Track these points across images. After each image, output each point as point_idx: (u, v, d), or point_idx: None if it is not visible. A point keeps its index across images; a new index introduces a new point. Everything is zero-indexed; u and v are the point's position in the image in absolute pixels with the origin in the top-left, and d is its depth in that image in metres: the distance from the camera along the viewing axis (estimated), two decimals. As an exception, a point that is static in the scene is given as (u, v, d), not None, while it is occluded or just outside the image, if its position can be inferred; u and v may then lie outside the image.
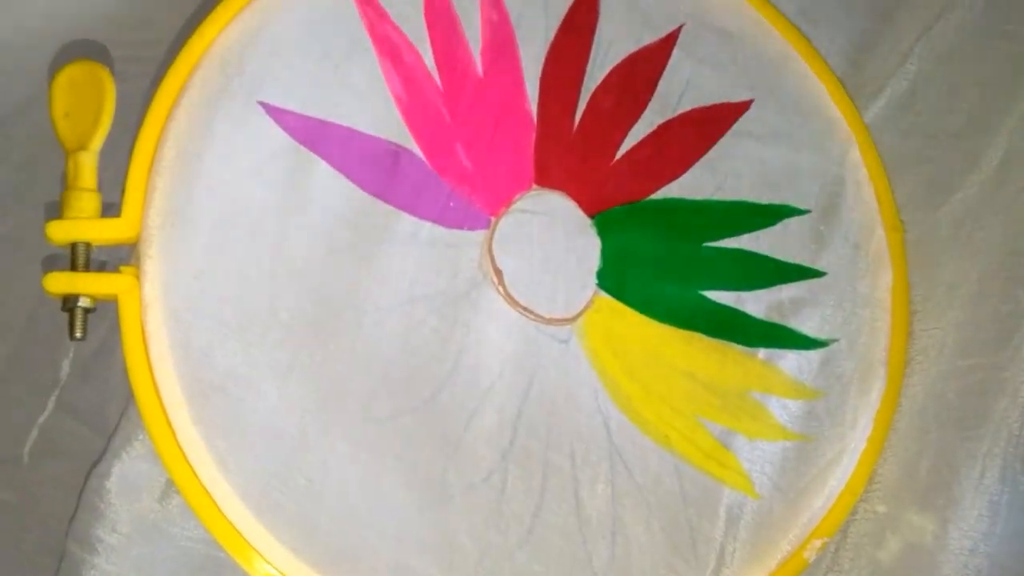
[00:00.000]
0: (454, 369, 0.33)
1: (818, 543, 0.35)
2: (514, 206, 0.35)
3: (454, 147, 0.35)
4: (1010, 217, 0.37)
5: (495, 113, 0.35)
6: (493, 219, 0.35)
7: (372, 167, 0.34)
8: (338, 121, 0.34)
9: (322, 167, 0.33)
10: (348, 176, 0.34)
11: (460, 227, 0.34)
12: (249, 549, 0.30)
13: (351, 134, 0.34)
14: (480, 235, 0.34)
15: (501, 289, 0.34)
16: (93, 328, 0.33)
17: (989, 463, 0.34)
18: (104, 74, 0.33)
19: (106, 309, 0.32)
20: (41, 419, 0.34)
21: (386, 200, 0.34)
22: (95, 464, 0.32)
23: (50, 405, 0.34)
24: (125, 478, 0.32)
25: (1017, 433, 0.34)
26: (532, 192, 0.35)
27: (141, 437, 0.32)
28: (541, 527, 0.32)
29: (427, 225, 0.34)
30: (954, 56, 0.40)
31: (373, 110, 0.34)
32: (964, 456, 0.34)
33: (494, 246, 0.34)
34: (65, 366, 0.35)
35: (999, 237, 0.37)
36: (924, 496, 0.35)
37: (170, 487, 0.31)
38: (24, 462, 0.34)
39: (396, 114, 0.34)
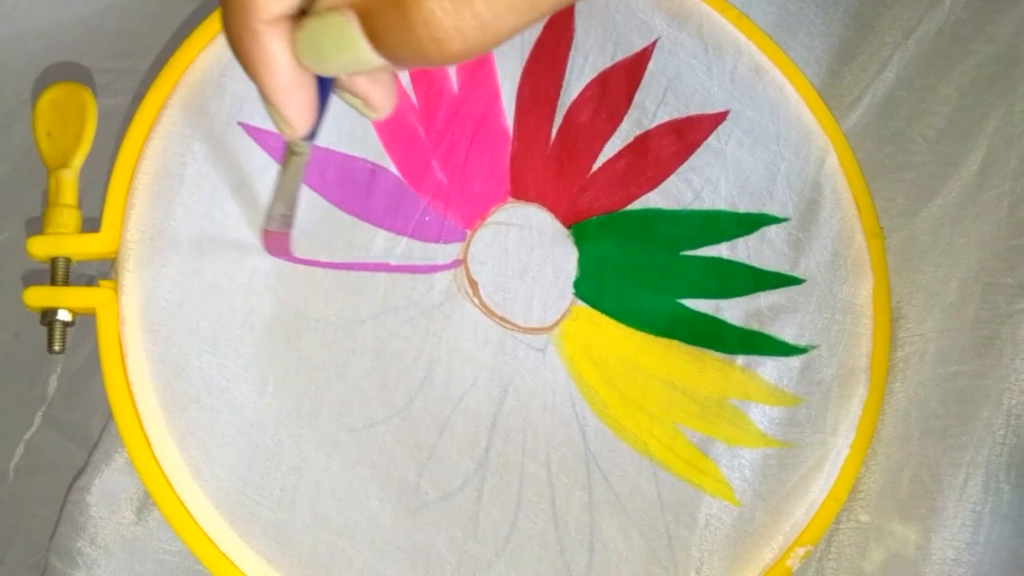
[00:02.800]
0: (427, 379, 0.33)
1: (801, 551, 0.34)
2: (489, 218, 0.35)
3: (429, 163, 0.35)
4: (989, 223, 0.36)
5: (471, 129, 0.36)
6: (469, 232, 0.35)
7: (348, 186, 0.34)
8: (315, 142, 0.34)
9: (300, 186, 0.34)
10: (324, 196, 0.34)
11: (436, 240, 0.34)
12: (223, 559, 0.30)
13: (328, 154, 0.34)
14: (456, 248, 0.35)
15: (476, 300, 0.34)
16: (79, 344, 0.34)
17: (972, 472, 0.34)
18: (86, 95, 0.34)
19: (93, 326, 0.32)
20: (28, 434, 0.34)
21: (363, 218, 0.34)
22: (76, 477, 0.33)
23: (37, 420, 0.35)
24: (105, 491, 0.32)
25: (1000, 441, 0.34)
26: (508, 205, 0.36)
27: (121, 451, 0.32)
28: (518, 536, 0.32)
29: (403, 240, 0.34)
30: (933, 61, 0.40)
31: (349, 129, 0.35)
32: (947, 465, 0.34)
33: (469, 258, 0.35)
34: (52, 382, 0.36)
35: (979, 243, 0.36)
36: (907, 505, 0.34)
37: (148, 500, 0.32)
38: (10, 477, 0.34)
39: (372, 132, 0.35)
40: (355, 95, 0.24)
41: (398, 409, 0.33)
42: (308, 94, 0.22)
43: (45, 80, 0.36)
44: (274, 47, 0.21)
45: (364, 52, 0.20)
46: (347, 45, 0.20)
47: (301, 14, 0.21)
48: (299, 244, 0.33)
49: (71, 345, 0.34)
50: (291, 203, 0.29)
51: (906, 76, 0.40)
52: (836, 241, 0.37)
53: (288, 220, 0.30)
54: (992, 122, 0.38)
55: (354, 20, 0.20)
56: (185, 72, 0.34)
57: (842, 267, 0.37)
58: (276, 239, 0.32)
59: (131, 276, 0.32)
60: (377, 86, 0.24)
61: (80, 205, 0.33)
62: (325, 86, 0.23)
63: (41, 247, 0.32)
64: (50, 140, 0.33)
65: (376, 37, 0.20)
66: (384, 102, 0.24)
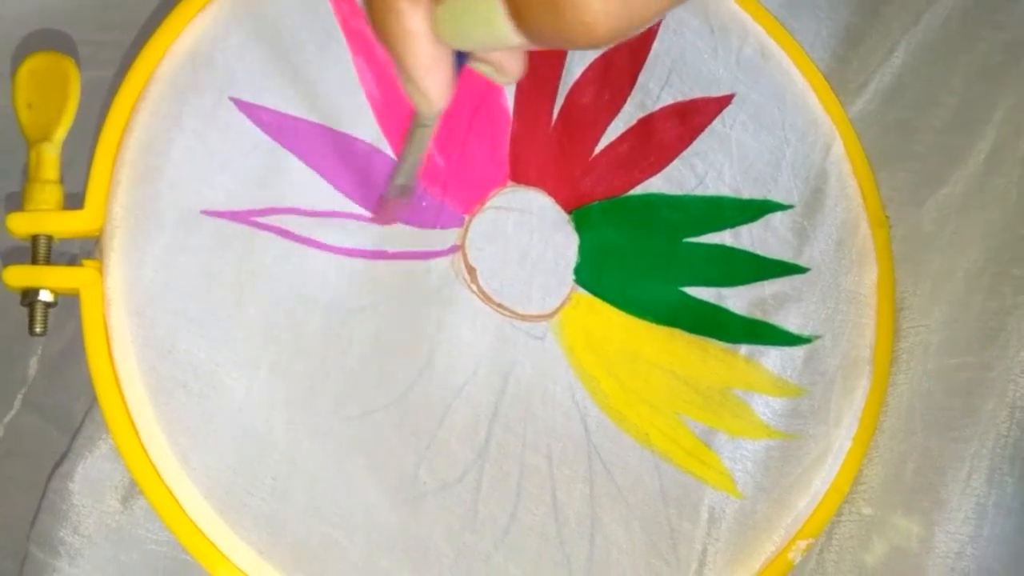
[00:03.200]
0: (426, 366, 0.32)
1: (803, 544, 0.34)
2: (488, 203, 0.34)
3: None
4: (996, 212, 0.36)
5: (470, 110, 0.35)
6: (467, 217, 0.34)
7: (345, 165, 0.33)
8: (311, 118, 0.33)
9: (294, 164, 0.33)
10: (321, 174, 0.33)
11: (433, 226, 0.33)
12: (213, 550, 0.29)
13: (324, 132, 0.33)
14: (454, 233, 0.34)
15: (474, 287, 0.33)
16: (61, 326, 0.32)
17: (976, 464, 0.33)
18: (68, 65, 0.32)
19: (76, 306, 0.31)
20: (7, 417, 0.33)
21: (358, 200, 0.33)
22: (58, 464, 0.32)
23: (17, 403, 0.34)
24: (88, 479, 0.31)
25: (1005, 434, 0.33)
26: (507, 189, 0.35)
27: (105, 437, 0.31)
28: (518, 528, 0.32)
29: (399, 225, 0.33)
30: (941, 48, 0.39)
31: (346, 107, 0.33)
32: (951, 457, 0.34)
33: (467, 243, 0.34)
34: (33, 364, 0.34)
35: (985, 233, 0.36)
36: (910, 498, 0.34)
37: (134, 488, 0.31)
38: (-11, 462, 0.33)
39: (369, 112, 0.34)
40: (488, 63, 0.24)
41: (395, 397, 0.32)
42: (447, 70, 0.22)
43: (25, 49, 0.34)
44: (416, 25, 0.21)
45: (505, 31, 0.20)
46: (489, 24, 0.20)
47: None
48: (292, 219, 0.32)
49: (53, 326, 0.32)
50: (413, 174, 0.29)
51: (913, 63, 0.39)
52: (841, 229, 0.37)
53: (408, 190, 0.30)
54: (1000, 111, 0.37)
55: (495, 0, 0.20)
56: (173, 43, 0.33)
57: (847, 256, 0.37)
58: (390, 208, 0.32)
59: (116, 255, 0.30)
60: (511, 54, 0.24)
61: (62, 180, 0.31)
62: (460, 58, 0.23)
63: (21, 224, 0.30)
64: (31, 112, 0.32)
65: (521, 17, 0.19)
66: (516, 68, 0.24)
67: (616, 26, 0.19)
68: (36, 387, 0.34)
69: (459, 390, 0.32)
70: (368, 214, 0.33)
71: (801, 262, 0.36)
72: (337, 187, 0.33)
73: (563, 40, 0.19)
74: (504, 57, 0.24)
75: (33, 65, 0.32)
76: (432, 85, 0.22)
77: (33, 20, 0.35)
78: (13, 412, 0.33)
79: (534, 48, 0.22)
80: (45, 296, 0.30)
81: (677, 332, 0.35)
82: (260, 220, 0.32)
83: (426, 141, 0.27)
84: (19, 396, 0.34)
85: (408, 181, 0.30)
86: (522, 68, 0.24)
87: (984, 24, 0.39)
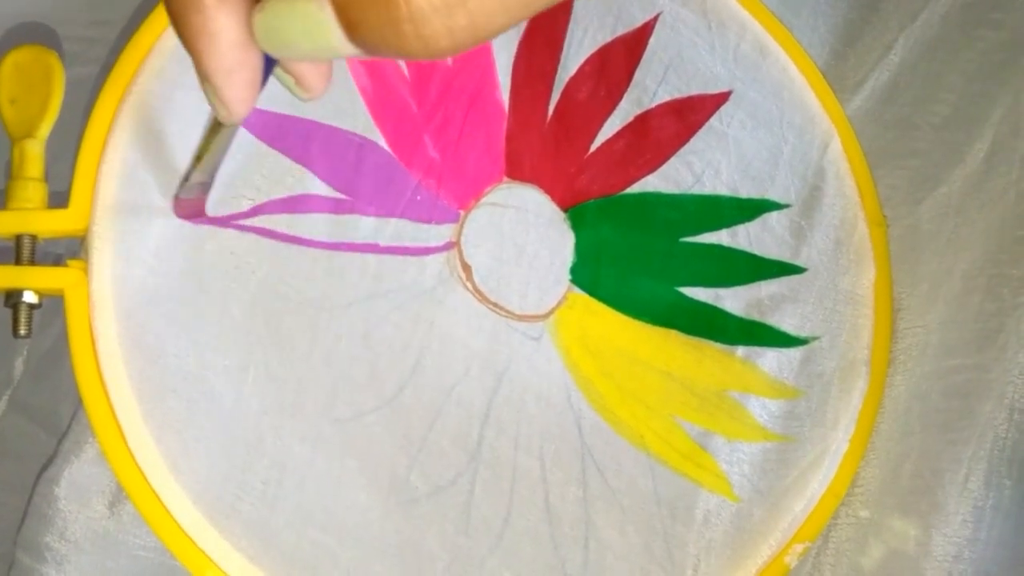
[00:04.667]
0: (417, 367, 0.32)
1: (799, 548, 0.34)
2: (484, 199, 0.34)
3: (421, 138, 0.33)
4: (995, 212, 0.36)
5: (465, 103, 0.34)
6: (462, 213, 0.33)
7: (335, 161, 0.32)
8: (300, 114, 0.32)
9: (281, 161, 0.32)
10: (311, 170, 0.32)
11: (427, 221, 0.33)
12: (202, 556, 0.29)
13: (314, 127, 0.33)
14: (448, 229, 0.33)
15: (470, 285, 0.33)
16: (48, 324, 0.32)
17: (974, 467, 0.33)
18: (53, 60, 0.31)
19: (62, 306, 0.30)
20: (-8, 419, 0.33)
21: (350, 194, 0.32)
22: (44, 468, 0.31)
23: (2, 405, 0.33)
24: (75, 483, 0.30)
25: (1003, 436, 0.33)
26: (503, 185, 0.34)
27: (92, 441, 0.30)
28: (511, 532, 0.31)
29: (392, 220, 0.32)
30: (939, 46, 0.39)
31: (337, 101, 0.33)
32: (948, 460, 0.33)
33: (463, 240, 0.33)
34: (18, 365, 0.34)
35: (984, 233, 0.36)
36: (907, 501, 0.34)
37: (121, 493, 0.30)
38: (-26, 464, 0.32)
39: (361, 105, 0.33)
40: (289, 73, 0.23)
41: (387, 399, 0.31)
42: (251, 76, 0.20)
43: (8, 43, 0.33)
44: (221, 23, 0.19)
45: (335, 41, 0.18)
46: (317, 33, 0.18)
47: None
48: (286, 222, 0.32)
49: (39, 325, 0.32)
50: (212, 172, 0.28)
51: (911, 60, 0.39)
52: (838, 229, 0.36)
53: (206, 187, 0.29)
54: (999, 110, 0.37)
55: (328, 8, 0.18)
56: (159, 40, 0.32)
57: (844, 256, 0.36)
58: (189, 205, 0.30)
59: (102, 255, 0.30)
60: (314, 68, 0.22)
61: (47, 178, 0.31)
62: (268, 66, 0.21)
63: (4, 223, 0.30)
64: (14, 108, 0.31)
65: (353, 28, 0.18)
66: (318, 83, 0.23)
67: (458, 41, 0.18)
68: (22, 388, 0.33)
69: (451, 391, 0.32)
70: (359, 205, 0.32)
71: (798, 262, 0.36)
72: (326, 181, 0.32)
73: (399, 52, 0.18)
74: (309, 70, 0.22)
75: (17, 59, 0.31)
76: (233, 93, 0.20)
77: (18, 15, 0.34)
78: (-1, 414, 0.33)
79: (363, 58, 0.20)
80: (29, 297, 0.29)
81: (673, 333, 0.34)
82: (245, 222, 0.31)
83: (227, 143, 0.26)
84: (4, 397, 0.33)
85: (205, 178, 0.28)
86: (325, 85, 0.23)
87: (982, 22, 0.38)
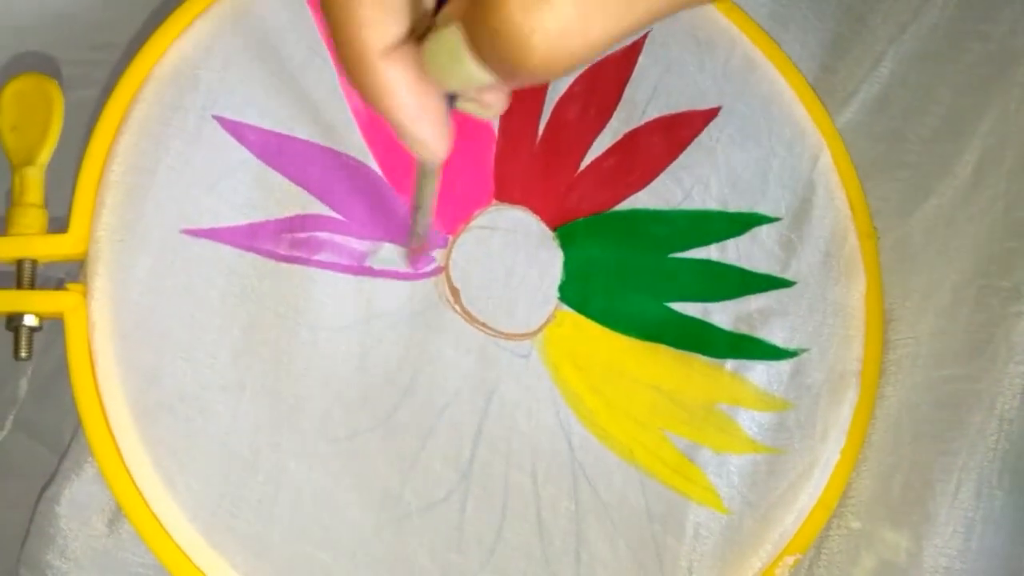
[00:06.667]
0: (410, 388, 0.32)
1: (791, 560, 0.34)
2: (473, 223, 0.34)
3: (412, 163, 0.34)
4: (984, 224, 0.36)
5: (455, 126, 0.34)
6: (451, 237, 0.34)
7: (332, 182, 0.33)
8: (296, 135, 0.33)
9: (280, 181, 0.33)
10: (306, 190, 0.33)
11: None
12: (198, 573, 0.29)
13: (310, 148, 0.33)
14: (437, 254, 0.34)
15: (458, 307, 0.33)
16: (52, 344, 0.33)
17: (964, 478, 0.33)
18: (53, 88, 0.32)
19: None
20: (-1, 438, 0.33)
21: (345, 215, 0.33)
22: (44, 488, 0.32)
23: (7, 424, 0.34)
24: (75, 502, 0.31)
25: (993, 447, 0.33)
26: (492, 208, 0.35)
27: (92, 460, 0.31)
28: (503, 547, 0.32)
29: (385, 244, 0.33)
30: (928, 58, 0.39)
31: (332, 124, 0.33)
32: (939, 471, 0.33)
33: (451, 264, 0.34)
34: (23, 385, 0.34)
35: (973, 244, 0.36)
36: (898, 512, 0.34)
37: (120, 511, 0.31)
38: (-20, 483, 0.33)
39: (355, 128, 0.34)
40: (472, 100, 0.24)
41: (381, 418, 0.32)
42: (438, 116, 0.21)
43: (9, 72, 0.34)
44: (392, 77, 0.20)
45: (470, 65, 0.19)
46: (458, 58, 0.19)
47: (421, 34, 0.20)
48: (286, 243, 0.32)
49: (43, 346, 0.33)
50: (428, 219, 0.29)
51: (900, 72, 0.39)
52: (828, 242, 0.37)
53: (427, 228, 0.30)
54: (987, 122, 0.37)
55: (459, 33, 0.19)
56: (157, 64, 0.33)
57: (834, 268, 0.36)
58: (418, 249, 0.32)
59: (101, 279, 0.30)
60: (493, 91, 0.23)
61: (47, 204, 0.32)
62: (451, 98, 0.22)
63: (5, 249, 0.30)
64: (14, 135, 0.32)
65: (476, 48, 0.19)
66: (500, 103, 0.24)
67: (555, 51, 0.17)
68: (26, 408, 0.34)
69: (443, 410, 0.32)
70: (354, 228, 0.33)
71: (788, 275, 0.36)
72: (323, 202, 0.33)
73: (509, 69, 0.18)
74: (486, 94, 0.23)
75: (17, 88, 0.32)
76: (426, 133, 0.21)
77: (17, 40, 0.35)
78: (4, 432, 0.34)
79: (512, 84, 0.21)
80: (30, 321, 0.30)
81: (662, 348, 0.34)
82: (244, 242, 0.32)
83: (434, 187, 0.27)
84: (10, 417, 0.34)
85: (424, 228, 0.30)
86: (506, 102, 0.24)
87: (970, 34, 0.38)
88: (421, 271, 0.33)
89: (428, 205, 0.28)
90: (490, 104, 0.23)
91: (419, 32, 0.20)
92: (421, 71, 0.20)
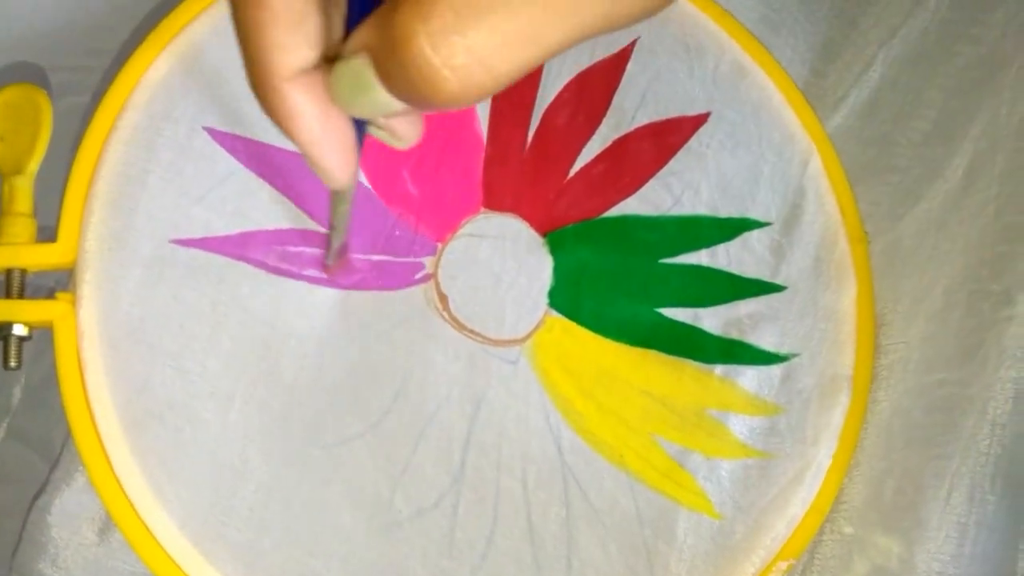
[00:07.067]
0: (400, 394, 0.32)
1: (783, 565, 0.34)
2: (461, 230, 0.34)
3: (400, 173, 0.34)
4: (975, 228, 0.36)
5: (443, 137, 0.35)
6: (439, 245, 0.34)
7: (320, 196, 0.33)
8: (286, 147, 0.33)
9: (269, 192, 0.33)
10: (295, 202, 0.33)
11: (406, 255, 0.33)
12: (188, 583, 0.29)
13: (299, 161, 0.33)
14: (426, 261, 0.34)
15: (446, 314, 0.33)
16: (43, 353, 0.33)
17: (957, 483, 0.33)
18: (41, 98, 0.32)
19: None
20: (-9, 446, 0.33)
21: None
22: (36, 497, 0.32)
23: (0, 432, 0.34)
24: (66, 511, 0.31)
25: (985, 451, 0.33)
26: (481, 215, 0.35)
27: (82, 469, 0.31)
28: (494, 553, 0.32)
29: (373, 256, 0.33)
30: (918, 62, 0.39)
31: None
32: (931, 475, 0.33)
33: (440, 272, 0.34)
34: (16, 392, 0.35)
35: (964, 248, 0.36)
36: (890, 517, 0.34)
37: (110, 520, 0.31)
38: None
39: None
40: (382, 128, 0.24)
41: (371, 425, 0.32)
42: (343, 141, 0.21)
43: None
44: (298, 102, 0.20)
45: (380, 95, 0.19)
46: (367, 88, 0.19)
47: (333, 60, 0.21)
48: (275, 254, 0.32)
49: (35, 355, 0.33)
50: (344, 233, 0.29)
51: (891, 76, 0.39)
52: (819, 246, 0.37)
53: (344, 248, 0.31)
54: (978, 125, 0.37)
55: (367, 63, 0.19)
56: (146, 73, 0.33)
57: (825, 273, 0.36)
58: (338, 268, 0.32)
59: (90, 288, 0.31)
60: (402, 120, 0.23)
61: (36, 213, 0.32)
62: (360, 125, 0.22)
63: (-5, 258, 0.31)
64: (3, 145, 0.32)
65: (385, 79, 0.19)
66: (412, 132, 0.24)
67: (467, 84, 0.18)
68: (19, 416, 0.34)
69: (432, 416, 0.32)
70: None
71: (778, 280, 0.36)
72: (312, 215, 0.33)
73: (422, 99, 0.18)
74: (396, 123, 0.23)
75: (6, 98, 0.32)
76: (328, 160, 0.21)
77: (5, 49, 0.35)
78: (-3, 441, 0.34)
79: (422, 111, 0.21)
80: (19, 330, 0.30)
81: (652, 353, 0.34)
82: (234, 251, 0.32)
83: (347, 207, 0.27)
84: (3, 425, 0.34)
85: (342, 240, 0.30)
86: (417, 133, 0.24)
87: (961, 38, 0.38)
88: (407, 280, 0.33)
89: (342, 227, 0.28)
90: (402, 135, 0.24)
91: (329, 58, 0.20)
92: (328, 97, 0.21)
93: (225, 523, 0.30)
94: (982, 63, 0.38)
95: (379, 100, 0.19)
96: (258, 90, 0.21)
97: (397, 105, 0.19)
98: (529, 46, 0.18)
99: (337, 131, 0.21)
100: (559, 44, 0.18)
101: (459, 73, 0.18)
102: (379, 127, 0.23)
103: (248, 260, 0.32)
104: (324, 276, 0.33)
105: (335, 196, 0.26)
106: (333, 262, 0.31)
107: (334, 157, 0.21)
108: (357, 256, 0.33)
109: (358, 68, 0.19)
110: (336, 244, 0.30)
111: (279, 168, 0.33)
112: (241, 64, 0.33)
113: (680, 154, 0.36)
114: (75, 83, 0.35)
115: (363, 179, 0.34)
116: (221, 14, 0.34)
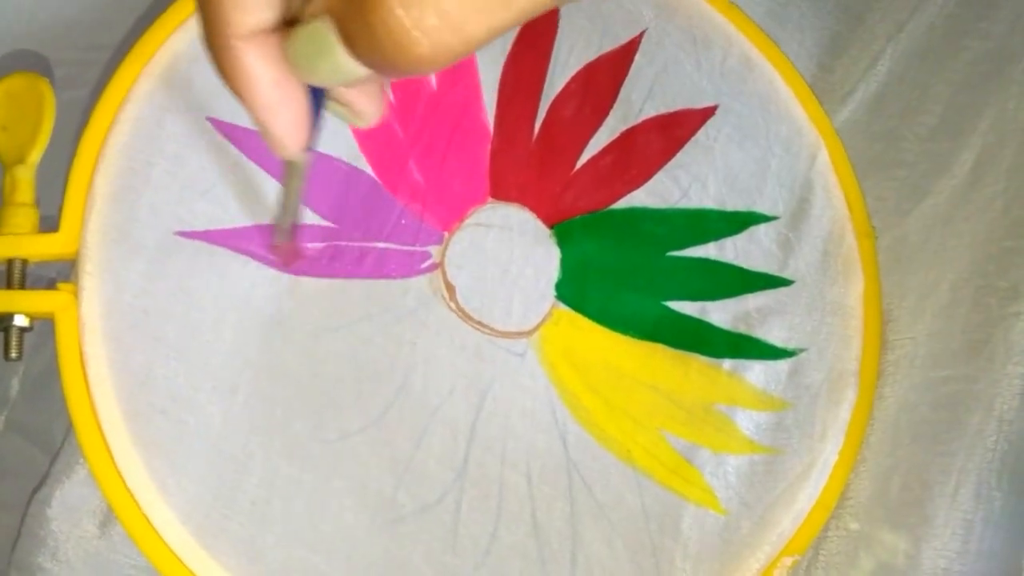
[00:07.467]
0: (403, 387, 0.32)
1: (788, 561, 0.33)
2: (468, 220, 0.34)
3: (406, 163, 0.34)
4: (983, 223, 0.35)
5: (449, 126, 0.34)
6: (446, 234, 0.34)
7: (322, 187, 0.33)
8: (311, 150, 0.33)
9: (274, 185, 0.32)
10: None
11: (412, 244, 0.33)
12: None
13: None
14: (432, 251, 0.33)
15: (453, 304, 0.33)
16: (43, 345, 0.32)
17: (963, 479, 0.33)
18: (44, 86, 0.32)
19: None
20: (-11, 439, 0.33)
21: (337, 222, 0.33)
22: (36, 490, 0.32)
23: (-1, 425, 0.34)
24: (66, 504, 0.31)
25: (992, 448, 0.33)
26: (487, 205, 0.34)
27: (83, 462, 0.31)
28: (499, 548, 0.31)
29: (378, 244, 0.33)
30: (926, 57, 0.39)
31: (324, 128, 0.33)
32: (937, 471, 0.33)
33: (446, 261, 0.33)
34: (14, 384, 0.34)
35: (971, 244, 0.35)
36: (897, 513, 0.33)
37: (112, 513, 0.30)
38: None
39: (347, 131, 0.33)
40: (339, 103, 0.23)
41: (374, 419, 0.31)
42: (296, 110, 0.21)
43: (0, 70, 0.34)
44: (252, 63, 0.20)
45: (342, 60, 0.19)
46: (329, 53, 0.19)
47: (291, 24, 0.20)
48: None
49: (34, 346, 0.32)
50: (295, 214, 0.29)
51: (898, 71, 0.39)
52: (826, 241, 0.36)
53: (295, 229, 0.30)
54: (985, 120, 0.37)
55: (329, 25, 0.18)
56: (149, 63, 0.33)
57: (832, 267, 0.36)
58: (287, 250, 0.31)
59: (92, 279, 0.30)
60: (362, 93, 0.23)
61: (38, 203, 0.31)
62: (318, 97, 0.22)
63: (-4, 248, 0.30)
64: (5, 134, 0.31)
65: (350, 43, 0.18)
66: (369, 109, 0.23)
67: (437, 48, 0.17)
68: (18, 408, 0.34)
69: (436, 410, 0.32)
70: (345, 232, 0.33)
71: (786, 274, 0.36)
72: (314, 209, 0.33)
73: (389, 64, 0.18)
74: (355, 95, 0.23)
75: (8, 87, 0.32)
76: (281, 128, 0.21)
77: (8, 40, 0.35)
78: (-4, 433, 0.33)
79: (383, 81, 0.20)
80: (20, 321, 0.30)
81: (659, 347, 0.34)
82: (238, 244, 0.32)
83: (302, 180, 0.26)
84: (1, 417, 0.34)
85: (292, 219, 0.29)
86: (377, 110, 0.23)
87: (968, 32, 0.38)
88: (413, 269, 0.33)
89: (292, 203, 0.27)
90: (361, 111, 0.23)
91: (288, 21, 0.20)
92: (284, 62, 0.20)
93: (227, 517, 0.30)
94: (990, 58, 0.38)
95: (341, 66, 0.19)
96: (211, 48, 0.20)
97: (360, 71, 0.19)
98: (501, 9, 0.17)
99: (291, 98, 0.20)
100: (532, 7, 0.18)
101: (430, 35, 0.17)
102: (339, 102, 0.23)
103: (252, 253, 0.32)
104: (327, 269, 0.32)
105: (287, 168, 0.25)
106: (282, 241, 0.30)
107: (286, 126, 0.21)
108: (309, 245, 0.32)
109: (320, 31, 0.18)
110: (285, 222, 0.28)
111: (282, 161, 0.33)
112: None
113: (688, 147, 0.36)
114: (76, 77, 0.35)
115: (368, 168, 0.33)
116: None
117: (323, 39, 0.19)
